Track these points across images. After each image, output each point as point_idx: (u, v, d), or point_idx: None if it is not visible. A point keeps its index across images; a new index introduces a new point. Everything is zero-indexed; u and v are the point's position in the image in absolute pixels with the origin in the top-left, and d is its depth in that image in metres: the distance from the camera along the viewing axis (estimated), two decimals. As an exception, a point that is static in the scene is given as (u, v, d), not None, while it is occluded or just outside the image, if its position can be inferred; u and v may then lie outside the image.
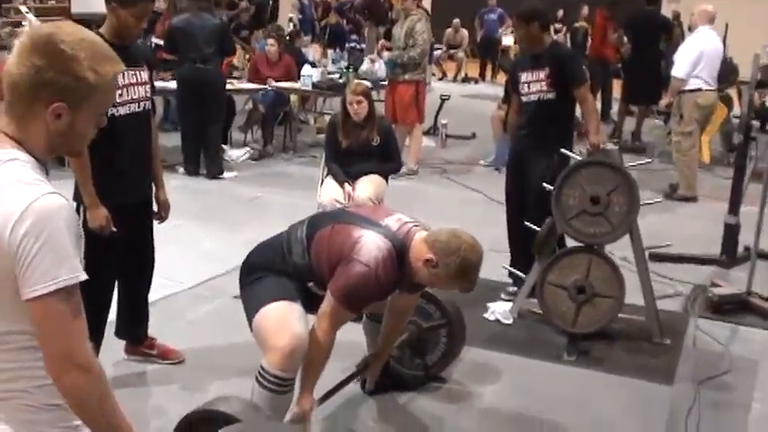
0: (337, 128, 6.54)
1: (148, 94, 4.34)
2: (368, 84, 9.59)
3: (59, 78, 1.93)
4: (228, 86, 9.93)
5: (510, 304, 5.71)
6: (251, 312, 3.73)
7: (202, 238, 7.05)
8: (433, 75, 18.25)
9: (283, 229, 3.96)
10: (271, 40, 10.76)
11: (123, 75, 4.06)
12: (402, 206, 7.06)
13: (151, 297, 4.84)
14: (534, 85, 5.76)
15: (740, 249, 6.97)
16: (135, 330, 4.74)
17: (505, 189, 6.11)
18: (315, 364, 3.66)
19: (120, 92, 4.07)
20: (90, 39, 2.01)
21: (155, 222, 4.63)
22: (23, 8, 11.66)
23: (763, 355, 5.32)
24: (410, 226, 3.76)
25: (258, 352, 3.72)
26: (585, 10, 18.33)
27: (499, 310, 5.67)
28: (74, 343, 1.90)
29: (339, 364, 4.11)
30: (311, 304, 3.78)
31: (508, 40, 19.47)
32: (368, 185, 6.40)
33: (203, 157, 9.34)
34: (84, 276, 1.91)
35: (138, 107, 4.25)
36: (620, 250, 5.81)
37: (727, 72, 10.68)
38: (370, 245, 3.60)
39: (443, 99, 12.43)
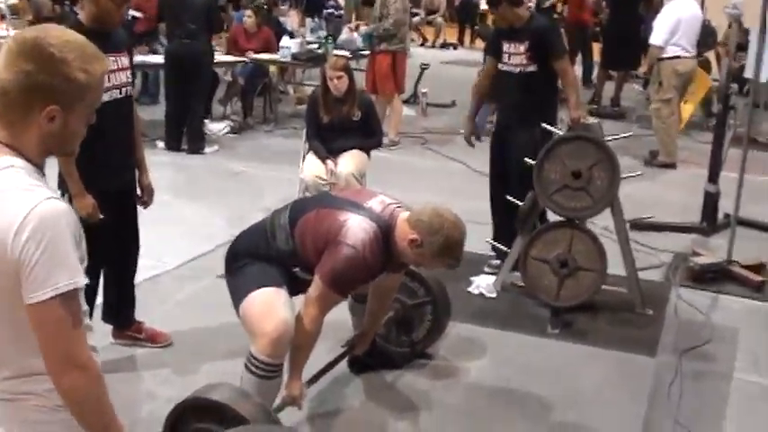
0: (318, 103, 6.54)
1: (130, 80, 4.33)
2: (347, 55, 9.64)
3: (51, 81, 1.94)
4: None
5: (493, 278, 5.76)
6: (237, 300, 3.76)
7: (185, 215, 7.04)
8: (413, 40, 18.19)
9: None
10: (248, 12, 10.69)
11: (105, 61, 4.04)
12: (383, 178, 7.18)
13: (136, 278, 4.85)
14: (515, 57, 5.76)
15: (720, 216, 7.05)
16: (122, 315, 4.76)
17: (490, 163, 6.13)
18: (303, 348, 3.69)
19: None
20: (76, 40, 2.01)
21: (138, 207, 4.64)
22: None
23: (743, 323, 5.40)
24: (393, 207, 3.78)
25: (245, 333, 3.75)
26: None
27: (483, 283, 5.71)
28: (73, 346, 1.94)
29: (325, 345, 4.13)
30: (297, 289, 3.81)
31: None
32: (349, 161, 6.42)
33: (185, 132, 9.31)
34: (84, 281, 1.94)
35: (120, 93, 4.24)
36: (601, 220, 5.85)
37: (705, 35, 10.69)
38: (355, 228, 3.62)
39: (423, 68, 12.41)
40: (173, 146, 9.24)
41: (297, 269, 3.82)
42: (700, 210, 7.05)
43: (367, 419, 4.24)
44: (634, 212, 6.20)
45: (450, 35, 20.54)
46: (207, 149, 9.29)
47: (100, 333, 4.49)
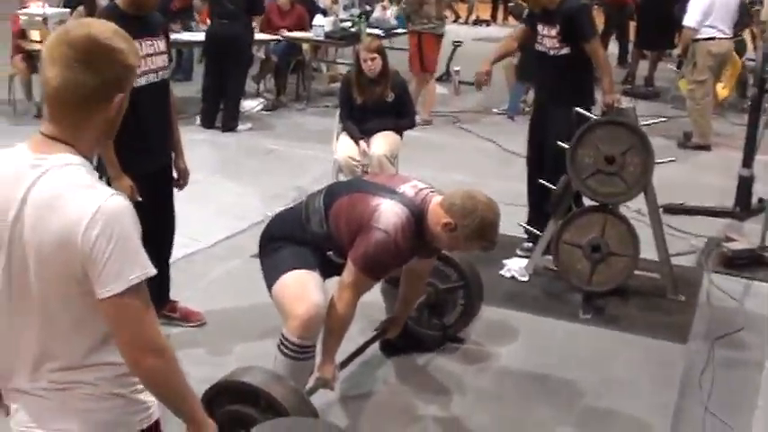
0: (351, 85, 6.55)
1: (166, 64, 4.36)
2: (381, 34, 9.61)
3: (116, 73, 2.01)
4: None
5: (525, 261, 5.76)
6: (271, 281, 3.80)
7: (220, 193, 7.10)
8: (446, 17, 18.08)
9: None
10: (282, -10, 10.70)
11: (141, 45, 4.07)
12: (415, 157, 7.19)
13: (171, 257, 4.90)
14: (548, 39, 5.74)
15: (754, 201, 6.99)
16: (156, 293, 4.79)
17: (527, 144, 6.13)
18: (336, 332, 3.73)
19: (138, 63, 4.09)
20: (114, 27, 2.06)
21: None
22: None
23: (776, 310, 5.38)
24: (426, 192, 3.79)
25: (278, 313, 3.79)
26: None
27: (515, 267, 5.72)
28: (149, 331, 2.02)
29: (357, 326, 4.16)
30: (331, 272, 3.85)
31: (520, -20, 19.23)
32: (382, 142, 6.43)
33: (221, 111, 9.37)
34: (153, 271, 2.02)
35: (157, 77, 4.27)
36: (634, 203, 5.80)
37: (740, 14, 10.57)
38: (388, 212, 3.64)
39: (456, 45, 12.35)
40: (208, 123, 9.32)
41: (330, 252, 3.85)
42: (734, 194, 7.00)
43: (397, 402, 4.28)
44: (667, 195, 6.16)
45: (484, 12, 20.42)
46: (240, 127, 9.35)
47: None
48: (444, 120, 10.21)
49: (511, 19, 18.51)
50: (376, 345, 4.46)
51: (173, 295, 4.90)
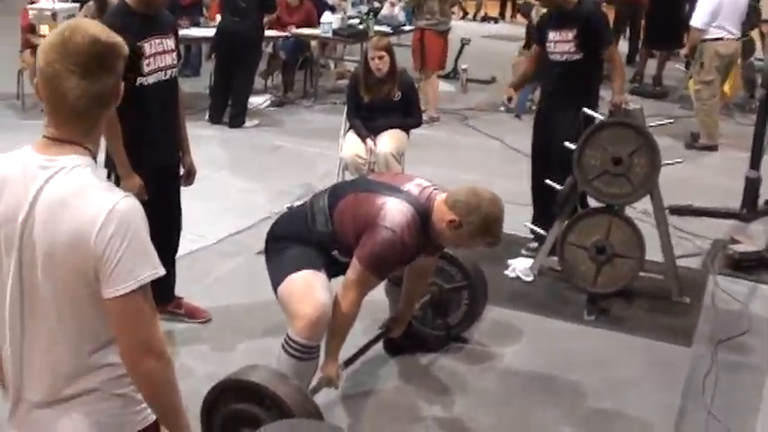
0: (359, 83, 6.56)
1: (175, 62, 4.37)
2: (389, 30, 9.60)
3: (122, 65, 2.05)
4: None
5: (530, 261, 5.76)
6: (276, 281, 3.81)
7: (226, 189, 7.11)
8: (453, 14, 18.07)
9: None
10: (291, -14, 10.69)
11: (150, 44, 4.10)
12: (422, 155, 7.19)
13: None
14: (561, 45, 5.70)
15: (761, 203, 6.99)
16: (162, 290, 4.82)
17: (532, 144, 6.12)
18: (340, 330, 3.74)
19: (147, 61, 4.12)
20: (97, 23, 2.10)
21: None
22: None
23: (781, 314, 5.37)
24: (431, 190, 3.80)
25: (283, 311, 3.80)
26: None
27: (520, 267, 5.73)
28: (152, 334, 2.04)
29: (361, 325, 4.17)
30: (336, 271, 3.86)
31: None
32: (388, 140, 6.43)
33: (229, 107, 9.39)
34: (162, 271, 2.03)
35: (165, 75, 4.29)
36: (640, 204, 5.78)
37: (749, 14, 10.54)
38: (393, 211, 3.65)
39: (464, 43, 12.34)
40: (215, 119, 9.34)
41: (336, 252, 3.86)
42: (740, 195, 6.99)
43: (401, 402, 4.29)
44: (673, 195, 6.15)
45: (492, 9, 20.38)
46: (247, 123, 9.35)
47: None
48: (452, 117, 10.19)
49: (519, 16, 18.52)
50: (379, 344, 4.47)
51: (178, 291, 4.91)
